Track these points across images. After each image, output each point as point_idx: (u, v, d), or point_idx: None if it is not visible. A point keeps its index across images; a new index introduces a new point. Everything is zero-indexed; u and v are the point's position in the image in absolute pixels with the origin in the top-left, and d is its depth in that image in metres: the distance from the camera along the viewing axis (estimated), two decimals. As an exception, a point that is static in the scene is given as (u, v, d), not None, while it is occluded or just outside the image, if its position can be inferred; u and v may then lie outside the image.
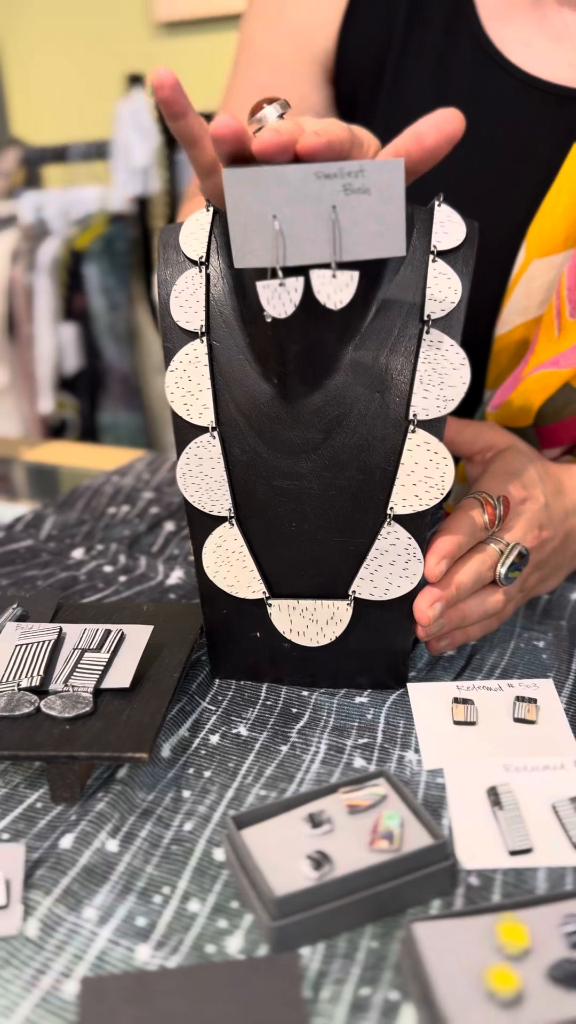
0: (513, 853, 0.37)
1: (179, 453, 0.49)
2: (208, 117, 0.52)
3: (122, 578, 0.65)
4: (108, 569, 0.67)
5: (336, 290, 0.43)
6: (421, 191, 0.50)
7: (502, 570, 0.50)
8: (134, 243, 2.05)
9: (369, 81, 0.69)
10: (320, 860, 0.35)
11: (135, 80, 1.95)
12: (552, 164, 0.60)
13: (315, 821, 0.37)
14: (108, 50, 2.25)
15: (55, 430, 2.08)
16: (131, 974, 0.32)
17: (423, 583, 0.48)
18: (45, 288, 1.94)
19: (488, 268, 0.58)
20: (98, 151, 2.05)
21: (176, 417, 0.49)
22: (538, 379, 0.57)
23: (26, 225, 2.02)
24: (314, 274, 0.42)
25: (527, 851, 0.38)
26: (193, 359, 0.48)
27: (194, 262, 0.48)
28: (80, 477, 0.92)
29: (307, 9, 0.70)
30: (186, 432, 0.48)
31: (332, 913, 0.34)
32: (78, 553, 0.70)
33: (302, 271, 0.43)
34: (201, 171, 0.47)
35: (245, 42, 0.75)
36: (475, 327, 0.60)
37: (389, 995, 0.32)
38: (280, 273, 0.42)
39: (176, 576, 0.65)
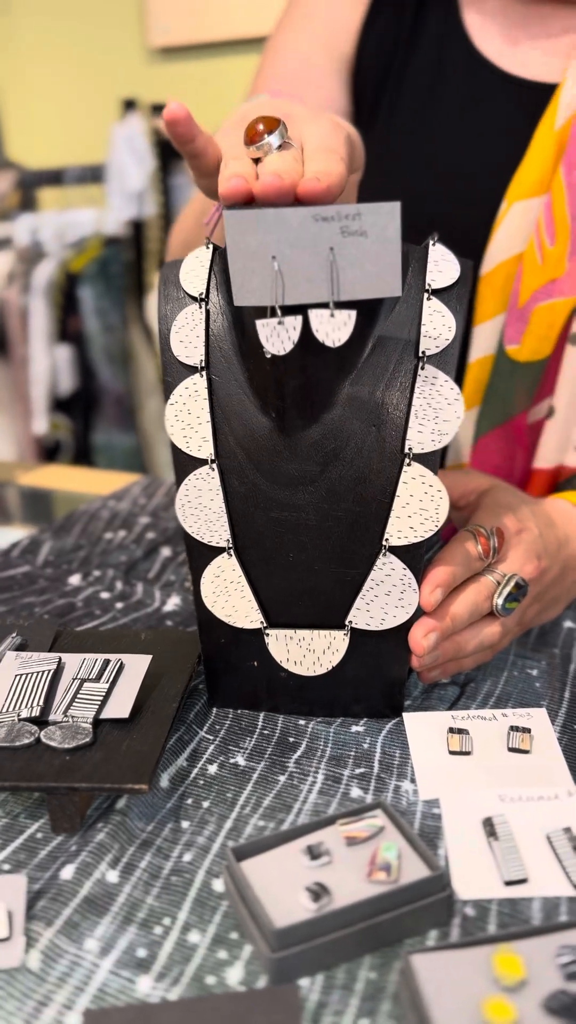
0: (508, 883, 0.38)
1: (178, 485, 0.50)
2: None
3: (119, 604, 0.66)
4: (105, 596, 0.67)
5: (334, 328, 0.44)
6: (431, 171, 0.71)
7: (499, 601, 0.51)
8: (128, 266, 2.06)
9: (374, 84, 0.78)
10: (319, 892, 0.36)
11: (130, 105, 1.97)
12: (528, 137, 0.67)
13: (314, 853, 0.38)
14: (103, 75, 2.28)
15: (49, 451, 2.09)
16: (133, 1006, 0.33)
17: (419, 613, 0.48)
18: (40, 310, 1.95)
19: (474, 221, 0.67)
20: (93, 174, 2.06)
21: (176, 449, 0.49)
22: (547, 309, 0.63)
23: (21, 247, 2.03)
24: (312, 313, 0.43)
25: (522, 881, 0.38)
26: (193, 393, 0.49)
27: (194, 298, 0.49)
28: (76, 501, 0.92)
29: (334, 13, 0.79)
30: (185, 464, 0.49)
31: (331, 944, 0.34)
32: (75, 579, 0.71)
33: (300, 309, 0.44)
34: (202, 173, 0.49)
35: (273, 45, 0.82)
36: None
37: (388, 1026, 0.33)
38: (279, 311, 0.43)
39: (173, 603, 0.66)
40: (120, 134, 1.92)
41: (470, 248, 0.66)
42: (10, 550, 0.77)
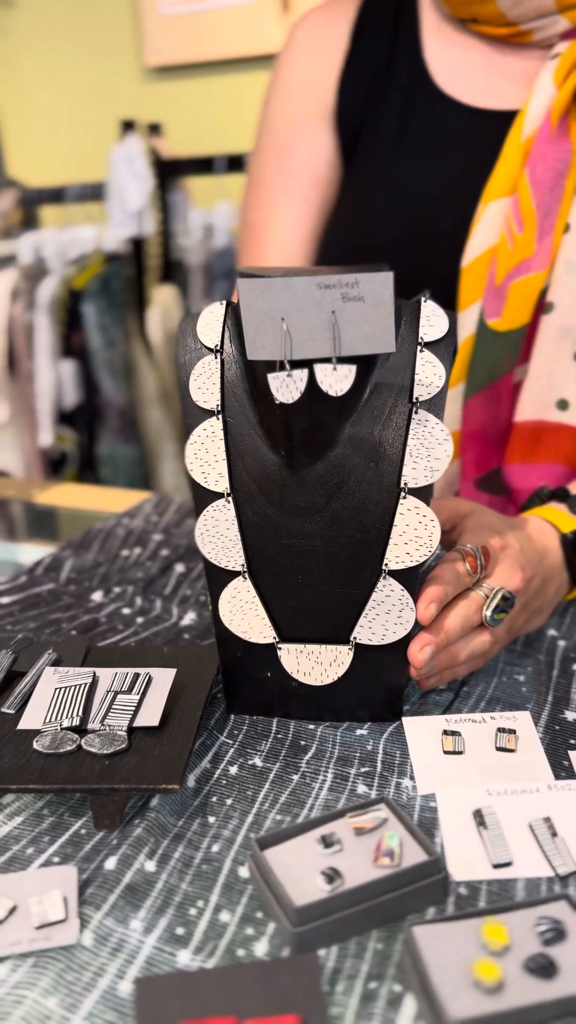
0: (496, 866, 0.44)
1: (197, 515, 0.55)
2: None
3: (139, 619, 0.72)
4: (126, 611, 0.73)
5: (336, 380, 0.49)
6: (413, 202, 0.82)
7: (487, 613, 0.56)
8: (129, 282, 2.12)
9: (353, 130, 0.88)
10: (332, 875, 0.41)
11: (128, 126, 2.03)
12: (492, 163, 0.78)
13: (327, 842, 0.43)
14: (101, 94, 2.34)
15: (55, 463, 2.15)
16: (176, 973, 0.38)
17: (416, 628, 0.54)
18: (44, 326, 2.01)
19: (455, 228, 0.77)
20: (92, 192, 2.12)
21: (195, 484, 0.55)
22: (522, 284, 0.74)
23: (25, 265, 2.09)
24: (317, 367, 0.49)
25: (508, 864, 0.44)
26: (210, 434, 0.55)
27: (210, 349, 0.55)
28: (89, 518, 0.98)
29: (313, 71, 0.89)
30: (204, 497, 0.55)
31: (343, 920, 0.40)
32: (97, 596, 0.76)
33: (306, 363, 0.49)
34: None
35: (264, 119, 0.94)
36: (445, 264, 0.79)
37: (393, 987, 0.39)
38: (288, 365, 0.49)
39: (189, 618, 0.72)
40: (119, 154, 1.98)
41: (447, 252, 0.79)
42: (34, 568, 0.83)
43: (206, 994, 0.37)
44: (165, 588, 0.78)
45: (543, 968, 0.36)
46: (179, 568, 0.82)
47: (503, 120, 0.79)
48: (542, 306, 0.75)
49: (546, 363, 0.76)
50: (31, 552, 0.94)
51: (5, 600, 0.76)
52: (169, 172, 2.07)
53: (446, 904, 0.42)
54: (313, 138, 0.90)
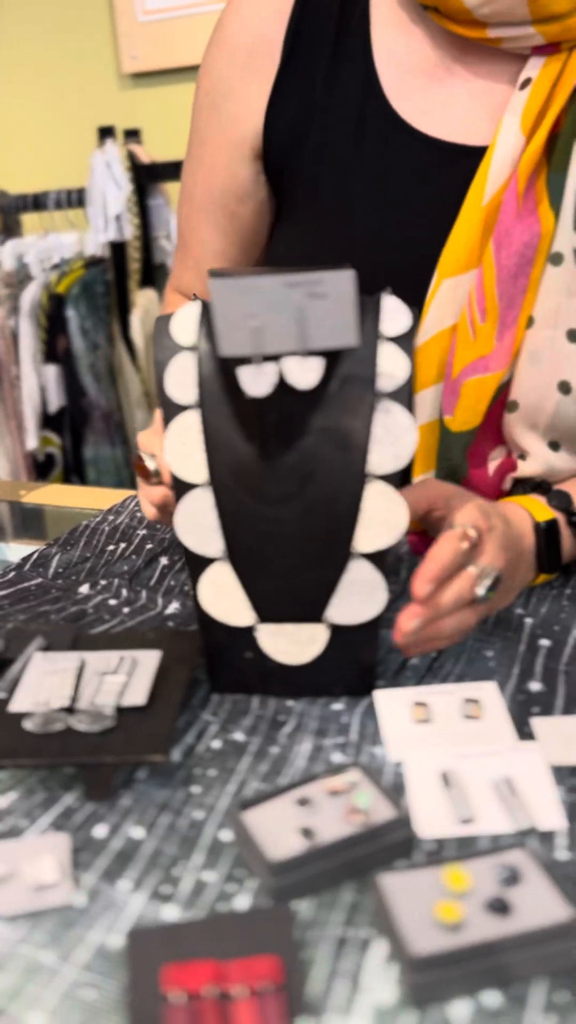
0: (460, 823, 0.47)
1: (176, 505, 0.58)
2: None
3: (125, 610, 0.74)
4: (112, 602, 0.76)
5: (304, 373, 0.52)
6: (358, 244, 0.75)
7: (480, 591, 0.58)
8: (111, 286, 2.15)
9: (293, 153, 0.79)
10: (308, 832, 0.44)
11: (106, 132, 2.06)
12: (456, 205, 0.70)
13: (303, 802, 0.47)
14: (79, 101, 2.36)
15: (41, 465, 2.17)
16: (165, 926, 0.41)
17: (387, 608, 0.57)
18: (28, 331, 2.03)
19: (406, 293, 0.66)
20: (71, 199, 2.15)
21: (174, 476, 0.58)
22: (477, 384, 0.68)
23: (7, 271, 2.11)
24: (286, 360, 0.52)
25: (471, 821, 0.47)
26: (187, 427, 0.57)
27: (185, 347, 0.58)
28: (76, 517, 1.00)
29: (237, 97, 0.80)
30: (183, 488, 0.58)
31: (318, 873, 0.43)
32: (84, 588, 0.79)
33: (275, 358, 0.52)
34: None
35: (193, 130, 0.87)
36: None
37: (364, 934, 0.42)
38: (258, 360, 0.52)
39: (173, 607, 0.74)
40: (99, 160, 2.01)
41: (411, 300, 0.71)
42: (23, 564, 0.86)
43: (190, 942, 0.40)
44: (150, 580, 0.81)
45: (499, 907, 0.40)
46: (163, 561, 0.84)
47: (467, 157, 0.71)
48: (501, 404, 0.73)
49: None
50: (18, 550, 0.96)
51: (-5, 594, 0.79)
52: (148, 177, 2.10)
53: (413, 859, 0.45)
54: (231, 167, 0.82)
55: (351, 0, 0.76)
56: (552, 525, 0.68)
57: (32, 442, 2.10)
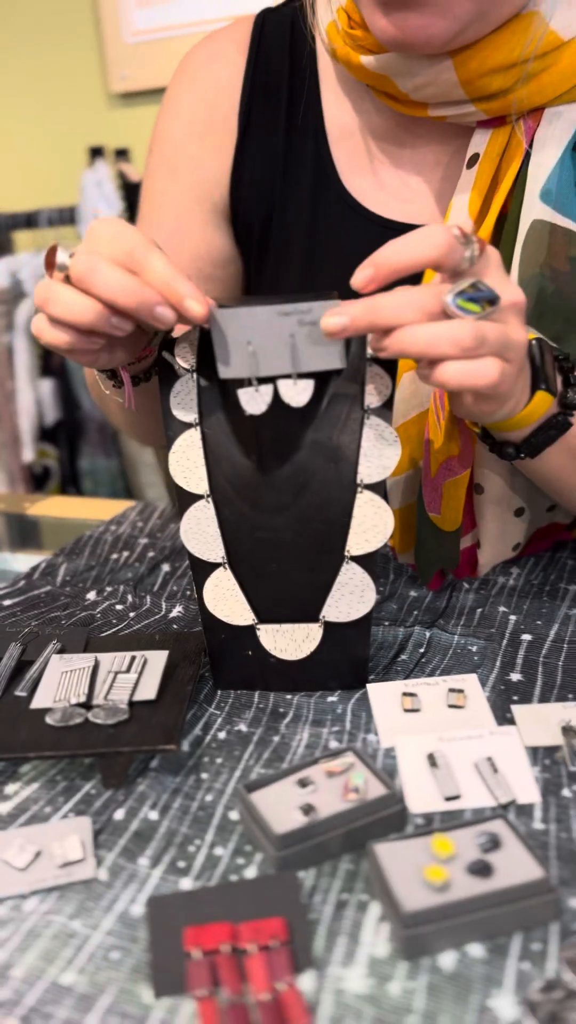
0: (447, 799, 0.52)
1: (181, 515, 0.63)
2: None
3: (132, 614, 0.79)
4: (119, 607, 0.81)
5: (297, 393, 0.57)
6: None
7: (447, 297, 0.50)
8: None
9: (259, 226, 0.82)
10: (308, 809, 0.49)
11: (96, 152, 2.11)
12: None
13: (303, 783, 0.51)
14: (70, 121, 2.41)
15: (38, 478, 2.22)
16: (182, 893, 0.46)
17: (376, 609, 0.62)
18: (23, 347, 2.08)
19: None
20: (63, 217, 2.19)
21: (178, 488, 0.63)
22: (452, 485, 0.68)
23: (1, 288, 2.16)
24: (280, 383, 0.57)
25: (457, 797, 0.52)
26: (190, 443, 0.62)
27: (187, 370, 0.63)
28: (78, 527, 1.05)
29: (201, 163, 0.81)
30: (187, 499, 0.63)
31: (318, 845, 0.48)
32: (91, 595, 0.84)
33: (270, 380, 0.57)
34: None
35: (149, 195, 0.85)
36: None
37: (361, 898, 0.46)
38: (255, 382, 0.57)
39: (177, 610, 0.79)
40: (90, 179, 2.06)
41: None
42: (32, 573, 0.90)
43: (206, 907, 0.45)
44: (154, 585, 0.85)
45: (481, 870, 0.44)
46: (165, 567, 0.89)
47: None
48: (469, 492, 0.74)
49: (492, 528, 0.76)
50: (25, 561, 1.00)
51: (7, 602, 0.83)
52: (137, 195, 2.15)
53: (405, 832, 0.50)
54: (204, 232, 0.82)
55: (299, 72, 0.79)
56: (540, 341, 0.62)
57: (29, 455, 2.15)
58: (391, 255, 0.50)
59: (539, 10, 0.65)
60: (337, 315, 0.52)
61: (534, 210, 0.67)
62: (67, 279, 0.53)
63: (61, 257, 0.53)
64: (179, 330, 0.60)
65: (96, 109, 2.38)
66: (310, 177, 0.78)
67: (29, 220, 2.22)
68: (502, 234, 0.70)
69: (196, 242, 0.83)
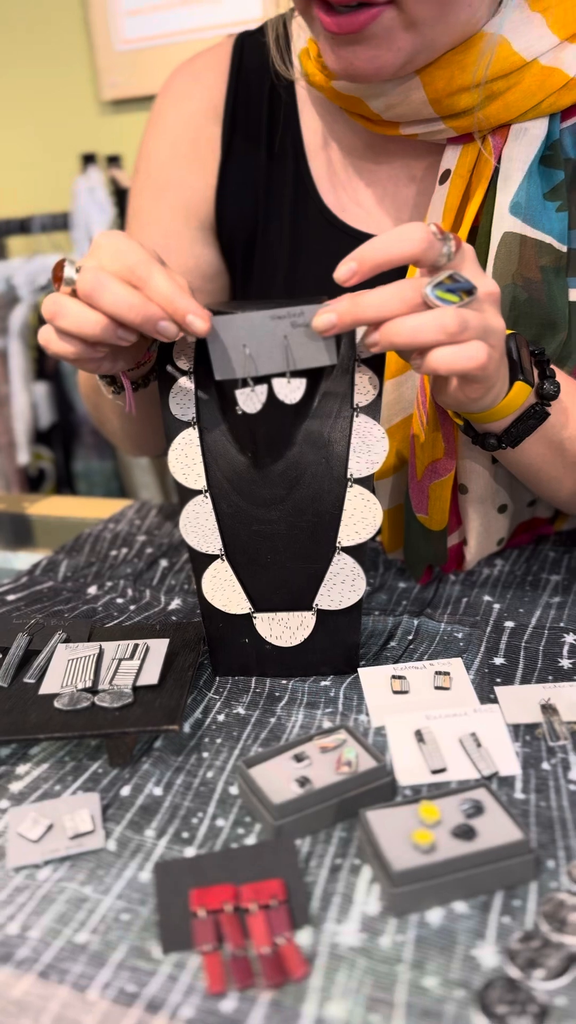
0: (433, 772, 0.55)
1: (181, 509, 0.66)
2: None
3: (132, 607, 0.82)
4: (120, 601, 0.84)
5: (290, 392, 0.61)
6: None
7: (427, 289, 0.54)
8: (96, 305, 2.22)
9: (244, 242, 0.85)
10: (304, 781, 0.53)
11: (89, 159, 2.14)
12: None
13: (299, 758, 0.55)
14: (62, 128, 2.44)
15: (33, 480, 2.24)
16: (187, 859, 0.49)
17: (367, 597, 0.66)
18: (17, 351, 2.11)
19: None
20: (55, 223, 2.22)
21: (178, 484, 0.66)
22: (438, 487, 0.72)
23: (-4, 293, 2.19)
24: (275, 381, 0.61)
25: (443, 770, 0.55)
26: (188, 441, 0.66)
27: (184, 372, 0.66)
28: (78, 526, 1.08)
29: (187, 182, 0.85)
30: (186, 494, 0.66)
31: (314, 814, 0.51)
32: (92, 590, 0.87)
33: (265, 380, 0.61)
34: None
35: (136, 213, 0.89)
36: None
37: (353, 862, 0.50)
38: (251, 382, 0.61)
39: (175, 603, 0.82)
40: (82, 186, 2.09)
41: None
42: (34, 570, 0.93)
43: (209, 871, 0.48)
44: (152, 580, 0.89)
45: (464, 833, 0.48)
46: (163, 563, 0.92)
47: None
48: (454, 493, 0.77)
49: (478, 524, 0.80)
50: (26, 559, 1.03)
51: (11, 597, 0.86)
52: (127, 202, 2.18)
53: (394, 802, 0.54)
54: (191, 248, 0.86)
55: (277, 93, 0.82)
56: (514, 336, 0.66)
57: (24, 457, 2.18)
58: (373, 251, 0.54)
59: (492, 31, 0.68)
60: (325, 312, 0.56)
61: (504, 223, 0.71)
62: (73, 292, 0.57)
63: (68, 272, 0.56)
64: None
65: (87, 116, 2.41)
66: (290, 194, 0.82)
67: (22, 226, 2.25)
68: (475, 246, 0.73)
69: (184, 258, 0.86)
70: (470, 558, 0.83)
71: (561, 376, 0.69)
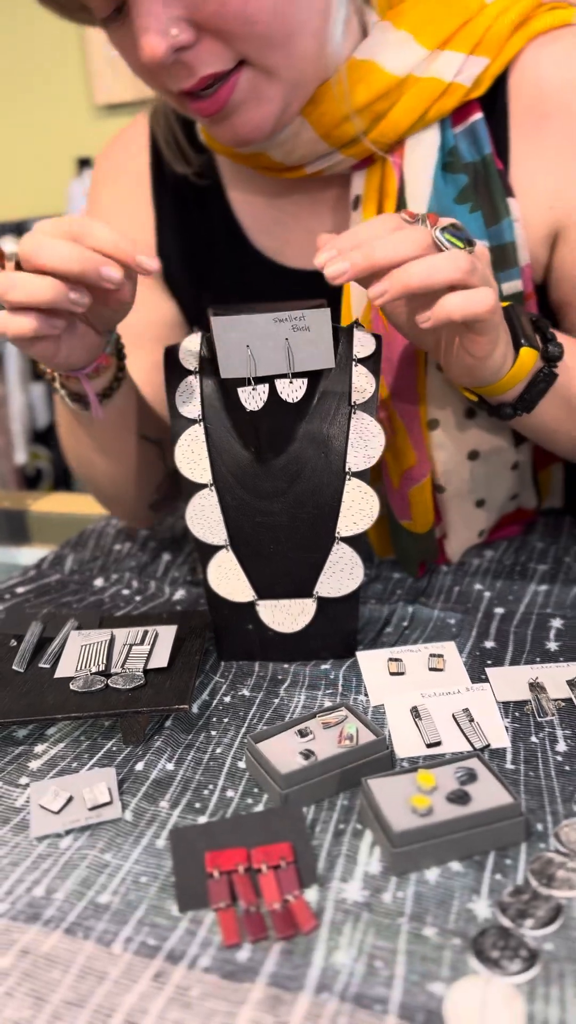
0: (429, 745, 0.59)
1: (187, 503, 0.70)
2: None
3: (138, 598, 0.86)
4: (126, 592, 0.87)
5: (292, 391, 0.64)
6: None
7: (436, 232, 0.58)
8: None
9: (192, 295, 0.90)
10: (308, 753, 0.56)
11: (84, 163, 2.17)
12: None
13: (303, 733, 0.58)
14: (55, 133, 2.48)
15: (30, 478, 2.27)
16: (200, 825, 0.53)
17: (369, 580, 0.69)
18: (14, 352, 2.14)
19: None
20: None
21: (184, 478, 0.69)
22: (418, 491, 0.76)
23: (-9, 295, 2.21)
24: (277, 381, 0.64)
25: (438, 743, 0.59)
26: (194, 438, 0.69)
27: (190, 371, 0.69)
28: (80, 521, 1.11)
29: (132, 235, 0.88)
30: (192, 488, 0.69)
31: (318, 784, 0.55)
32: (99, 582, 0.90)
33: (267, 379, 0.64)
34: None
35: None
36: None
37: (356, 827, 0.53)
38: (253, 381, 0.64)
39: (180, 594, 0.86)
40: (77, 189, 2.12)
41: None
42: (40, 564, 0.97)
43: (222, 836, 0.52)
44: (156, 572, 0.92)
45: (459, 798, 0.51)
46: (166, 556, 0.96)
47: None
48: (437, 510, 0.83)
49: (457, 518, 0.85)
50: (30, 554, 1.07)
51: (20, 590, 0.90)
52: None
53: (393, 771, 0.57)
54: (151, 300, 0.90)
55: (197, 153, 0.87)
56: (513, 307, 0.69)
57: (21, 457, 2.21)
58: (351, 236, 0.58)
59: (362, 57, 0.72)
60: (338, 261, 0.57)
61: None
62: (18, 267, 0.59)
63: (8, 247, 0.60)
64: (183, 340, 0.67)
65: (82, 120, 2.44)
66: (225, 245, 0.87)
67: (19, 229, 2.28)
68: None
69: (147, 310, 0.90)
70: (451, 551, 0.87)
71: (562, 337, 0.71)
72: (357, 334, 0.69)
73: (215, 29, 0.65)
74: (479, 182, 0.75)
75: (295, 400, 0.65)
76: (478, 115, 0.75)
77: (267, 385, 0.64)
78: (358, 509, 0.68)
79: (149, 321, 0.91)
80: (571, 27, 0.75)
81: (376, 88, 0.72)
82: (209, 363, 0.70)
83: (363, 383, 0.68)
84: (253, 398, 0.65)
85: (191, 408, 0.69)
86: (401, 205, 0.75)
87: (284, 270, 0.85)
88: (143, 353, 0.87)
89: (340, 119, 0.73)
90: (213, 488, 0.69)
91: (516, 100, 0.75)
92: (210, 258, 0.88)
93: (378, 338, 0.69)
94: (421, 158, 0.75)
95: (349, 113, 0.72)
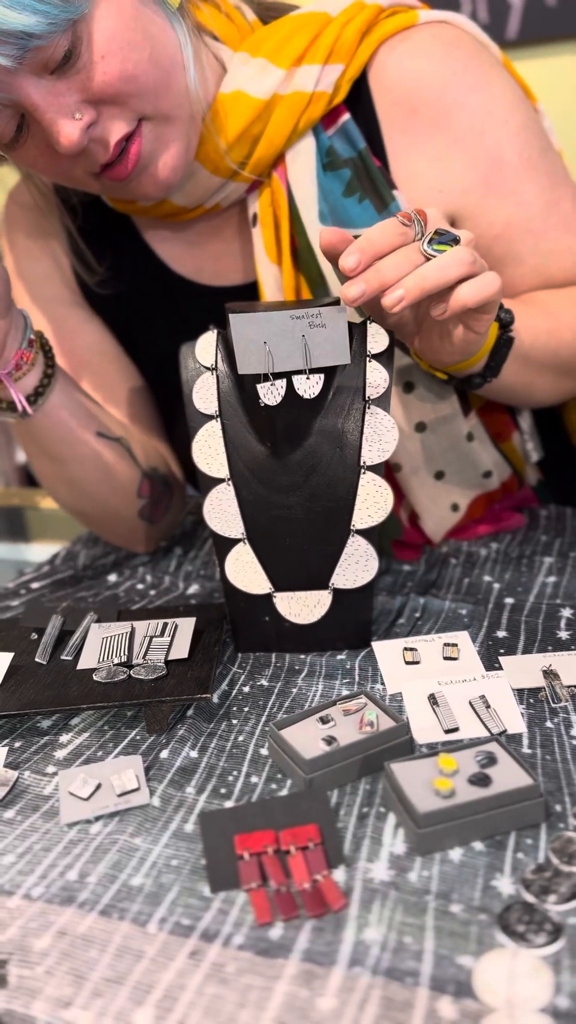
0: (447, 731, 0.61)
1: (204, 497, 0.71)
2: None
3: (152, 592, 0.87)
4: (140, 587, 0.89)
5: (309, 387, 0.66)
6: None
7: (424, 245, 0.62)
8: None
9: (122, 328, 0.94)
10: (331, 740, 0.58)
11: None
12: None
13: (324, 720, 0.60)
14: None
15: (32, 478, 2.28)
16: (228, 809, 0.54)
17: (380, 573, 0.71)
18: (15, 352, 2.14)
19: None
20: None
21: (201, 473, 0.71)
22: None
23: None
24: (295, 378, 0.66)
25: (455, 729, 0.61)
26: (211, 433, 0.70)
27: (207, 368, 0.71)
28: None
29: (54, 296, 0.94)
30: (209, 482, 0.71)
31: (340, 769, 0.56)
32: (113, 577, 0.92)
33: (284, 375, 0.66)
34: None
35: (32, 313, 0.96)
36: None
37: (379, 810, 0.55)
38: (271, 377, 0.66)
39: (193, 588, 0.87)
40: None
41: None
42: (54, 559, 0.98)
43: (250, 819, 0.53)
44: (169, 567, 0.93)
45: (480, 780, 0.53)
46: (178, 551, 0.97)
47: (251, 293, 0.88)
48: (389, 472, 0.86)
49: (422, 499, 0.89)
50: (40, 550, 1.08)
51: (36, 585, 0.91)
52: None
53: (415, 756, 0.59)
54: (87, 327, 0.95)
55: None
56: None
57: (22, 455, 2.21)
58: (367, 244, 0.62)
59: (227, 90, 0.78)
60: (354, 284, 0.62)
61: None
62: None
63: None
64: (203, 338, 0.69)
65: None
66: (147, 276, 0.92)
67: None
68: (305, 267, 0.81)
69: (85, 339, 0.94)
70: (430, 530, 0.90)
71: (506, 302, 0.77)
72: (371, 330, 0.70)
73: (109, 98, 0.69)
74: (361, 175, 0.80)
75: (312, 396, 0.66)
76: (346, 116, 0.80)
77: (284, 381, 0.66)
78: (373, 502, 0.69)
79: (91, 349, 0.95)
80: (417, 27, 0.81)
81: (247, 115, 0.78)
82: (226, 360, 0.71)
83: (377, 378, 0.69)
84: (272, 393, 0.66)
85: (208, 404, 0.70)
86: (293, 213, 0.81)
87: (206, 289, 0.90)
88: (88, 374, 0.93)
89: (223, 151, 0.79)
90: (230, 483, 0.70)
91: (380, 99, 0.81)
92: (133, 291, 0.92)
93: (391, 333, 0.71)
94: (302, 166, 0.80)
95: (230, 143, 0.78)
